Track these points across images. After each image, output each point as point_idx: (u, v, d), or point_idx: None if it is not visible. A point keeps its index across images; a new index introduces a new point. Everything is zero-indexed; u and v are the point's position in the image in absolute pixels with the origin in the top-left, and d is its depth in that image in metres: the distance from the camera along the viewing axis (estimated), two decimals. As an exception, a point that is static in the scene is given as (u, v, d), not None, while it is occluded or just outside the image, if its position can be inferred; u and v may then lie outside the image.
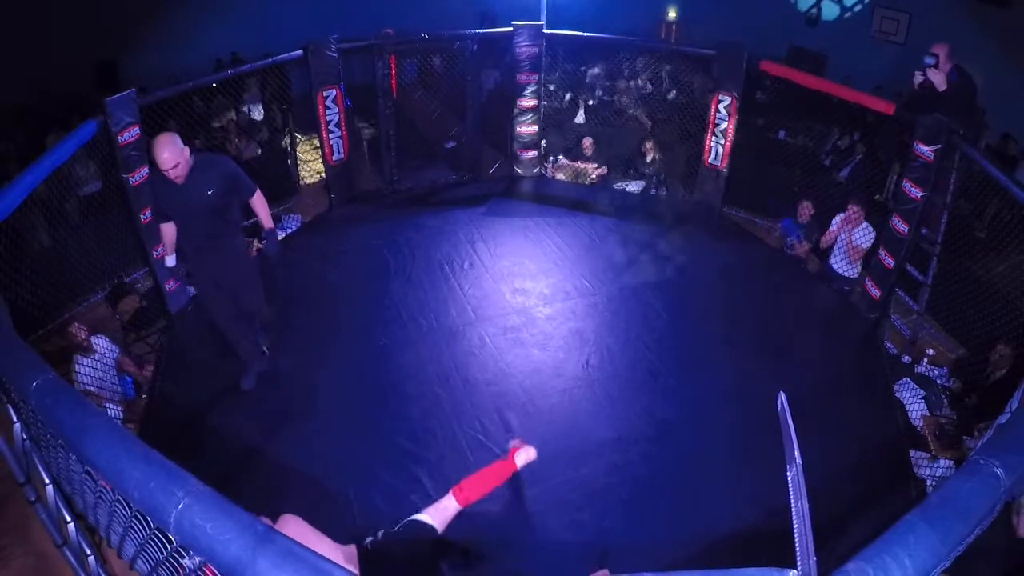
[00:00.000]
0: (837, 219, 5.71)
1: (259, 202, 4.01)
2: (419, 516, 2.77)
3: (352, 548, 2.64)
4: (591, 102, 8.49)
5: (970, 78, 4.76)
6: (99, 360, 4.48)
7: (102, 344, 4.59)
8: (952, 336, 5.28)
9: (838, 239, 5.69)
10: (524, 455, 3.25)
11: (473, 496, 2.88)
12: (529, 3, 7.63)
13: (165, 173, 3.59)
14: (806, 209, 6.14)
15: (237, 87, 8.14)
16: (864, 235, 5.52)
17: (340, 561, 2.54)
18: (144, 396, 4.60)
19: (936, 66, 4.50)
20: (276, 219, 6.70)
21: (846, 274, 5.70)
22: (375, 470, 3.87)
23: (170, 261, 4.10)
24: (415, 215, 6.63)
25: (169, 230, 3.96)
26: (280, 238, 6.40)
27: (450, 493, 2.86)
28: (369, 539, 2.70)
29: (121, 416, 4.35)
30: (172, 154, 3.55)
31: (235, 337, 4.27)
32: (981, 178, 4.92)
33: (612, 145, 7.64)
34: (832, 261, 5.80)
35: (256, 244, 6.16)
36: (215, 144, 7.24)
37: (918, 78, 4.62)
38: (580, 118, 8.25)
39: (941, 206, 4.78)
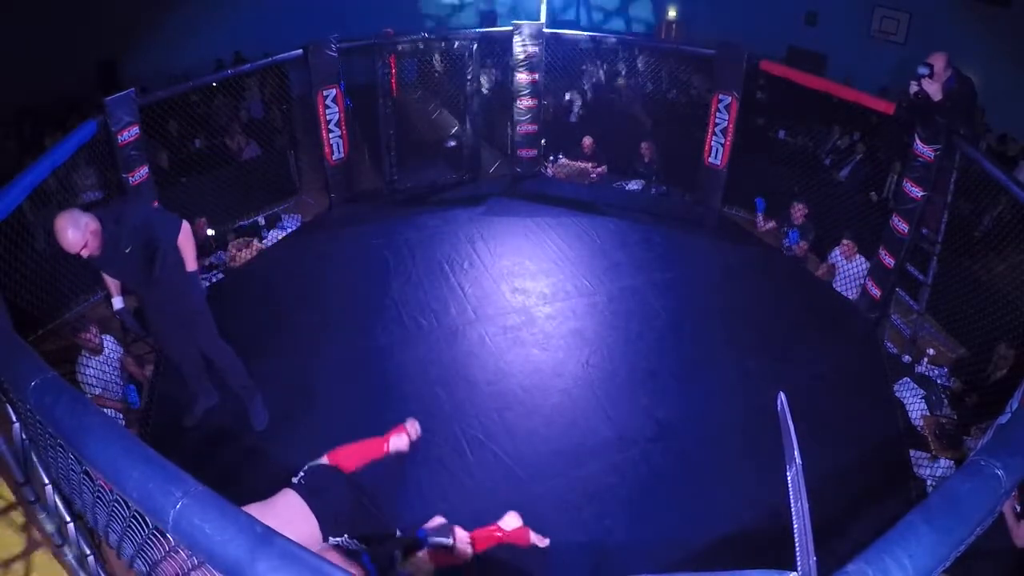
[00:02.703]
0: (835, 252, 5.87)
1: (186, 242, 3.59)
2: (318, 461, 3.05)
3: (286, 495, 2.80)
4: (579, 105, 8.46)
5: (970, 83, 4.66)
6: (104, 361, 4.47)
7: (108, 343, 4.59)
8: (952, 336, 5.27)
9: (839, 270, 5.85)
10: (398, 441, 3.39)
11: (340, 460, 3.12)
12: (529, 3, 7.63)
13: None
14: (799, 211, 6.16)
15: (238, 87, 8.13)
16: (859, 268, 5.67)
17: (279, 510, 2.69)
18: (145, 397, 4.60)
19: (931, 76, 4.39)
20: (276, 219, 6.72)
21: (848, 296, 5.77)
22: (374, 470, 3.86)
23: (117, 303, 3.88)
24: (415, 215, 6.62)
25: (108, 276, 3.74)
26: (280, 238, 6.42)
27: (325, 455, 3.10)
28: (296, 477, 2.92)
29: (123, 418, 4.34)
30: (75, 238, 3.16)
31: (188, 371, 4.11)
32: (979, 180, 4.89)
33: (612, 145, 7.63)
34: (835, 285, 5.88)
35: (256, 244, 6.17)
36: (215, 144, 7.24)
37: (913, 87, 4.53)
38: (575, 117, 8.24)
39: (941, 206, 4.77)
